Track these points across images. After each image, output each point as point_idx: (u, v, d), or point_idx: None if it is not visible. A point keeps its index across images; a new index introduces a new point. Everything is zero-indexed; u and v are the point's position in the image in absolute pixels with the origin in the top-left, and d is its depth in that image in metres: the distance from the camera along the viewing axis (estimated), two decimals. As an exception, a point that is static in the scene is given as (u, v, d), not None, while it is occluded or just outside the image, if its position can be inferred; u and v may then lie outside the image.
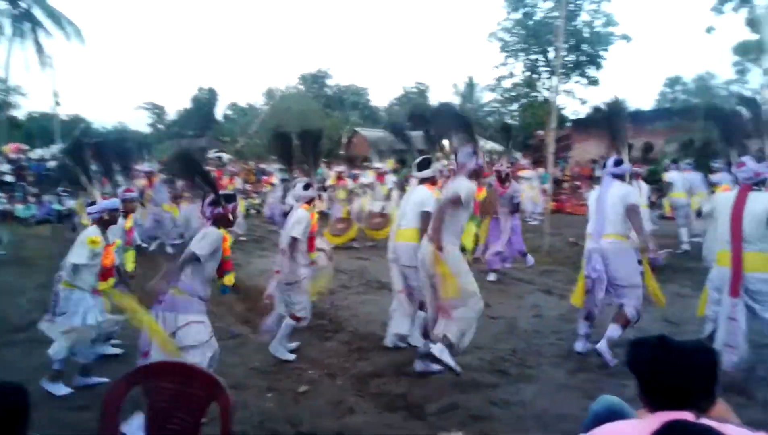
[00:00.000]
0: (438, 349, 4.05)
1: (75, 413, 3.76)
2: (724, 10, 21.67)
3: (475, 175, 4.40)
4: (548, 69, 28.55)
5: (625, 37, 28.48)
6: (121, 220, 4.78)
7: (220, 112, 47.20)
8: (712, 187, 9.64)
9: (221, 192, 3.85)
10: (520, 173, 13.35)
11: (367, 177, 11.84)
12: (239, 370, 4.45)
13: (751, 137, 4.48)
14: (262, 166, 19.99)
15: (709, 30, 22.38)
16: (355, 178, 12.37)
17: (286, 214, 5.14)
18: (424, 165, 4.94)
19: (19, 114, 36.16)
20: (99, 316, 4.23)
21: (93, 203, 4.40)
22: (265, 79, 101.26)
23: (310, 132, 5.71)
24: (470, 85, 39.13)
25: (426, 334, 4.45)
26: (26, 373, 4.35)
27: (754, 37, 22.03)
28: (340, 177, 11.78)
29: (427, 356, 4.36)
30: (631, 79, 68.22)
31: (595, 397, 2.49)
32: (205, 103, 46.40)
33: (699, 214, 4.84)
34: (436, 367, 4.35)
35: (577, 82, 29.19)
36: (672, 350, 1.78)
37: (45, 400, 3.85)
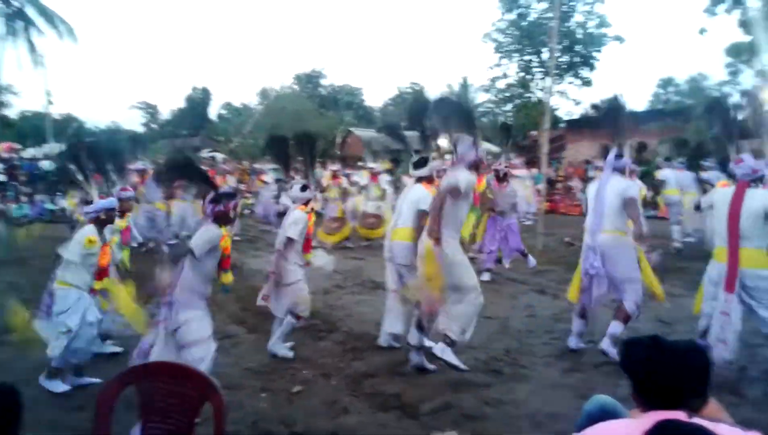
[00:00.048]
0: (440, 349, 4.06)
1: (69, 413, 3.75)
2: (717, 12, 21.78)
3: (475, 166, 4.35)
4: (542, 70, 28.61)
5: (619, 39, 28.60)
6: (117, 219, 4.78)
7: (214, 111, 47.17)
8: (703, 184, 9.72)
9: (221, 190, 3.87)
10: (514, 172, 13.38)
11: (362, 177, 11.84)
12: (233, 370, 4.44)
13: (748, 137, 4.47)
14: (257, 166, 19.96)
15: (701, 31, 22.49)
16: (348, 177, 12.38)
17: (281, 215, 5.15)
18: (420, 163, 4.95)
19: (12, 113, 35.90)
20: (98, 314, 4.22)
21: (90, 202, 4.38)
22: (259, 78, 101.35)
23: (306, 134, 5.72)
24: (464, 86, 39.20)
25: (420, 327, 4.46)
26: (19, 373, 4.32)
27: (747, 38, 22.15)
28: (335, 175, 11.78)
29: (421, 349, 4.43)
30: (625, 80, 68.53)
31: (588, 396, 2.50)
32: (199, 102, 46.30)
33: (698, 207, 4.85)
34: (431, 366, 4.41)
35: (570, 83, 29.27)
36: (665, 350, 1.79)
37: (38, 401, 3.83)
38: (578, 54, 28.38)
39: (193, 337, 3.51)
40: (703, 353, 2.07)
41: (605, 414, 2.18)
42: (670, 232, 10.06)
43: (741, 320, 4.10)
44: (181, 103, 47.07)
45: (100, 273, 4.26)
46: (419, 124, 5.29)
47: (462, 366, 4.07)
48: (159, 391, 2.37)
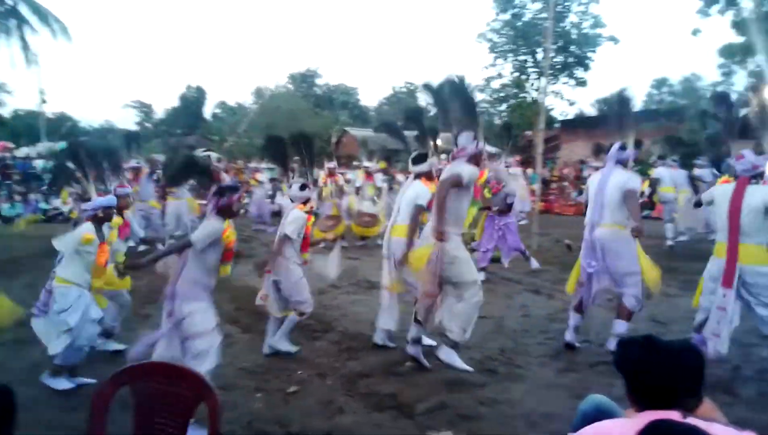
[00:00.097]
0: (444, 354, 4.06)
1: (63, 414, 3.73)
2: (710, 13, 21.87)
3: (475, 160, 4.31)
4: (537, 70, 28.68)
5: (613, 39, 28.69)
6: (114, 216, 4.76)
7: (208, 110, 47.01)
8: (695, 182, 9.79)
9: (226, 183, 3.88)
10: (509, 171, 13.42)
11: (357, 177, 11.84)
12: (228, 371, 4.43)
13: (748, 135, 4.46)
14: (252, 165, 19.93)
15: (695, 32, 22.58)
16: (342, 175, 12.40)
17: (276, 214, 5.15)
18: (419, 159, 4.96)
19: (5, 112, 35.70)
20: (100, 311, 4.21)
21: (87, 200, 4.36)
22: (254, 77, 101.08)
23: (303, 134, 5.72)
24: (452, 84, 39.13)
25: (418, 321, 4.50)
26: (13, 373, 4.31)
27: (740, 39, 22.26)
28: (331, 173, 11.78)
29: (418, 342, 4.49)
30: (619, 81, 68.75)
31: (583, 396, 2.51)
32: (193, 101, 46.15)
33: (698, 204, 4.83)
34: (427, 363, 4.45)
35: (565, 83, 29.36)
36: (659, 350, 1.79)
37: (33, 401, 3.81)
38: (573, 54, 28.46)
39: (197, 329, 3.52)
40: (697, 353, 2.08)
41: (600, 414, 2.19)
42: (664, 231, 10.11)
43: (738, 316, 4.11)
44: (176, 102, 46.95)
45: (98, 271, 4.24)
46: (417, 122, 5.29)
47: (469, 369, 4.08)
48: (153, 391, 2.35)
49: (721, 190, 4.32)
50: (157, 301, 6.19)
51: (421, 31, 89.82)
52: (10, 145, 24.48)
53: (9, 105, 36.70)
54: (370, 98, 79.04)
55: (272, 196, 15.11)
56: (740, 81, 25.68)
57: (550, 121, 25.84)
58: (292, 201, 5.03)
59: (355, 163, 16.61)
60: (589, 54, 28.62)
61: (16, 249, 9.76)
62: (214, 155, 18.12)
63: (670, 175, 9.94)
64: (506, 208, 7.80)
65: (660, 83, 42.12)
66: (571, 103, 30.51)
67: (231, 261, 3.88)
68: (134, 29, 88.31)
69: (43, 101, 27.30)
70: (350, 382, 4.23)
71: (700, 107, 24.47)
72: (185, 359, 3.49)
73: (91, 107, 70.93)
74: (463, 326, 4.13)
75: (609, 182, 4.67)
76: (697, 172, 10.66)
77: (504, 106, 31.19)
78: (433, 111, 5.07)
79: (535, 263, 8.10)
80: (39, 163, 20.72)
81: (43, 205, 16.52)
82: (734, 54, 23.56)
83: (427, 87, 4.66)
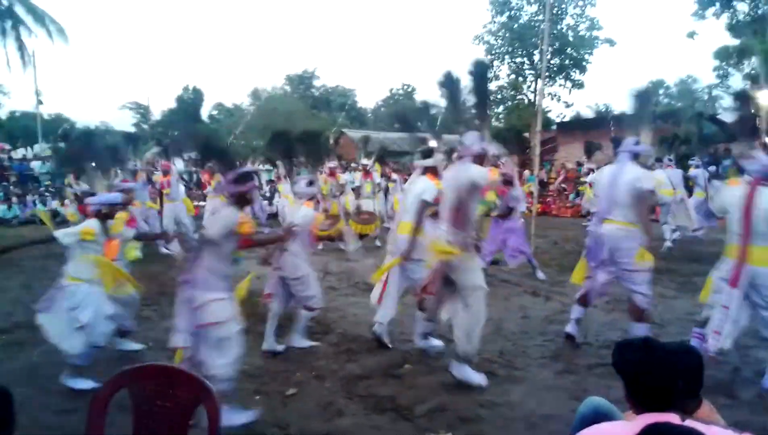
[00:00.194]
0: (457, 369, 4.05)
1: (59, 416, 3.71)
2: (706, 16, 21.98)
3: (479, 159, 4.20)
4: (533, 72, 28.75)
5: (609, 41, 28.79)
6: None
7: (205, 112, 46.95)
8: (689, 182, 9.83)
9: (244, 169, 3.85)
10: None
11: (354, 178, 11.88)
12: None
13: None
14: (249, 166, 19.91)
15: (691, 35, 22.70)
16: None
17: (273, 216, 5.17)
18: (427, 154, 4.96)
19: (1, 113, 35.65)
20: (114, 308, 4.20)
21: (92, 194, 4.35)
22: (251, 79, 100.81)
23: (311, 131, 5.74)
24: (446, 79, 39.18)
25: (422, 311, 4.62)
26: (9, 375, 4.29)
27: (735, 42, 22.37)
28: (331, 172, 11.81)
29: (427, 335, 4.67)
30: (615, 83, 69.01)
31: (582, 398, 2.51)
32: (190, 103, 46.08)
33: (712, 215, 4.74)
34: (436, 342, 4.66)
35: (561, 85, 29.41)
36: (656, 352, 1.80)
37: (31, 403, 3.79)
38: (569, 56, 28.52)
39: (213, 319, 3.49)
40: (695, 355, 2.09)
41: (599, 416, 2.19)
42: (661, 233, 10.14)
43: (746, 318, 4.07)
44: (172, 104, 46.90)
45: (105, 264, 4.26)
46: (415, 121, 5.28)
47: (483, 383, 4.05)
48: (152, 394, 2.35)
49: (732, 194, 4.27)
50: (152, 304, 6.24)
51: (418, 33, 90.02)
52: (7, 146, 24.44)
53: (5, 106, 36.70)
54: (367, 100, 79.21)
55: (270, 198, 15.13)
56: (736, 83, 25.79)
57: (547, 123, 25.89)
58: (298, 197, 5.04)
59: (353, 164, 16.63)
60: (585, 56, 28.69)
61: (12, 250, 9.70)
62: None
63: (668, 177, 9.97)
64: (507, 212, 7.77)
65: (656, 85, 42.28)
66: (568, 105, 30.61)
67: (245, 248, 3.82)
68: (131, 30, 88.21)
69: (40, 102, 27.30)
70: (349, 385, 4.22)
71: (696, 109, 24.62)
72: (204, 349, 3.48)
73: (88, 109, 70.58)
74: (467, 333, 4.09)
75: (621, 178, 4.57)
76: (692, 172, 10.71)
77: (501, 109, 31.25)
78: (434, 110, 5.05)
79: (541, 274, 8.01)
80: (36, 165, 20.70)
81: (40, 207, 16.47)
82: (730, 56, 23.66)
83: (447, 76, 4.54)
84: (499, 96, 31.20)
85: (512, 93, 30.19)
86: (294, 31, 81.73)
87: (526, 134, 23.02)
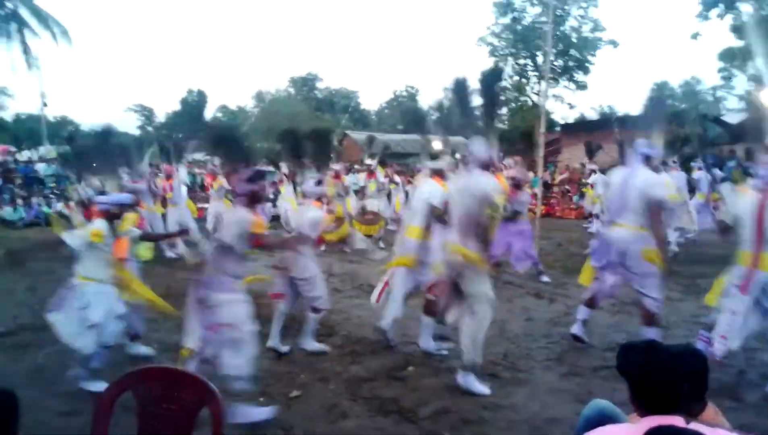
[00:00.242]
0: (462, 379, 4.04)
1: (63, 418, 3.72)
2: (710, 17, 21.93)
3: (486, 167, 4.18)
4: (537, 74, 28.79)
5: (613, 43, 28.83)
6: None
7: (209, 114, 47.08)
8: (691, 185, 9.80)
9: (258, 168, 3.85)
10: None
11: (358, 179, 11.90)
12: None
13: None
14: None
15: (694, 36, 22.66)
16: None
17: (275, 218, 5.18)
18: (436, 157, 4.97)
19: (6, 115, 35.83)
20: (124, 307, 4.21)
21: (102, 193, 4.36)
22: (255, 81, 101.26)
23: (321, 130, 5.73)
24: (457, 84, 39.19)
25: (430, 313, 4.64)
26: (15, 377, 4.31)
27: (740, 43, 22.32)
28: (337, 175, 11.83)
29: (440, 338, 4.73)
30: (619, 84, 68.97)
31: (586, 400, 2.51)
32: (194, 105, 46.22)
33: (727, 227, 4.56)
34: (447, 345, 4.66)
35: (565, 86, 29.44)
36: (660, 354, 1.80)
37: (35, 405, 3.80)
38: (573, 58, 28.57)
39: (226, 320, 3.51)
40: (700, 357, 2.09)
41: (604, 418, 2.19)
42: (666, 236, 10.11)
43: (756, 322, 4.03)
44: (177, 106, 47.07)
45: (119, 263, 4.28)
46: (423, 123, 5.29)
47: (487, 392, 4.04)
48: (156, 395, 2.36)
49: (744, 202, 4.24)
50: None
51: (421, 35, 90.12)
52: (12, 148, 24.55)
53: (10, 109, 36.87)
54: (370, 102, 79.31)
55: (273, 200, 15.14)
56: (740, 85, 25.72)
57: (551, 124, 25.87)
58: (306, 197, 5.04)
59: (356, 167, 16.64)
60: (589, 57, 28.70)
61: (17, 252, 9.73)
62: (216, 158, 18.14)
63: (671, 179, 9.94)
64: (513, 216, 7.72)
65: (660, 87, 42.13)
66: (572, 107, 30.65)
67: (259, 248, 3.83)
68: (135, 33, 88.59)
69: (45, 105, 27.40)
70: (353, 387, 4.22)
71: (701, 111, 24.55)
72: (219, 349, 3.51)
73: (93, 111, 70.87)
74: (473, 341, 4.06)
75: (633, 182, 4.53)
76: (695, 175, 10.65)
77: (504, 110, 31.28)
78: (439, 112, 5.06)
79: (545, 278, 7.99)
80: (41, 167, 20.77)
81: (45, 209, 16.53)
82: (734, 58, 23.61)
83: (458, 82, 4.52)
84: (502, 98, 31.21)
85: (516, 95, 30.21)
86: (298, 33, 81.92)
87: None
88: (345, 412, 3.81)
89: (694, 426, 1.64)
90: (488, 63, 31.47)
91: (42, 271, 7.65)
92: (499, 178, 4.19)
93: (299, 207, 5.21)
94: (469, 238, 4.03)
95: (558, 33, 26.15)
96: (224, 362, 3.50)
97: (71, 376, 4.12)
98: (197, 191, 17.22)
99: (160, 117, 47.80)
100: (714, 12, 21.74)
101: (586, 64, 28.82)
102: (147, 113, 47.63)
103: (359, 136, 29.01)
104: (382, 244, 10.40)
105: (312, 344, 4.97)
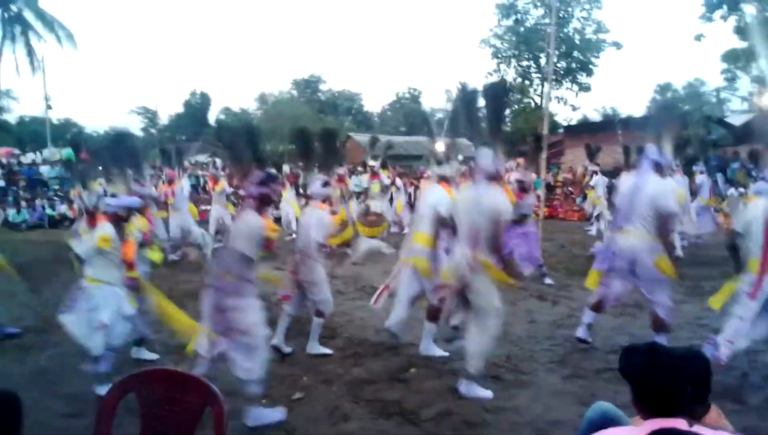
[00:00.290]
0: (465, 387, 4.03)
1: (65, 420, 3.74)
2: (713, 18, 21.89)
3: (493, 179, 4.13)
4: (540, 75, 28.77)
5: (616, 44, 28.81)
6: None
7: (212, 116, 47.20)
8: (692, 190, 9.77)
9: (269, 172, 3.86)
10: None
11: (361, 180, 11.91)
12: (233, 377, 4.42)
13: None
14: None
15: (698, 37, 22.59)
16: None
17: (276, 220, 5.18)
18: (443, 162, 4.96)
19: (10, 118, 35.94)
20: (133, 309, 4.22)
21: (112, 196, 4.36)
22: (258, 83, 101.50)
23: (329, 132, 5.71)
24: (463, 91, 39.21)
25: (434, 318, 4.70)
26: (18, 379, 4.32)
27: (743, 44, 22.27)
28: (340, 179, 11.84)
29: (454, 339, 4.73)
30: (622, 86, 68.86)
31: (589, 403, 2.50)
32: (197, 107, 46.35)
33: (735, 243, 4.52)
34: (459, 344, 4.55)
35: (568, 88, 29.42)
36: (663, 357, 1.79)
37: (37, 407, 3.81)
38: (576, 60, 28.55)
39: (240, 326, 3.52)
40: (702, 360, 2.07)
41: (607, 421, 2.18)
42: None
43: (764, 328, 4.06)
44: (180, 108, 47.20)
45: (129, 265, 4.30)
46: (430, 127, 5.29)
47: (489, 394, 4.04)
48: (159, 398, 2.36)
49: (754, 211, 4.22)
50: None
51: (424, 37, 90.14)
52: (16, 151, 24.64)
53: (14, 111, 36.99)
54: (373, 104, 79.29)
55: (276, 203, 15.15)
56: (744, 86, 25.67)
57: (554, 126, 25.85)
58: (311, 198, 5.04)
59: (359, 168, 16.66)
60: (592, 59, 28.67)
61: (22, 254, 9.78)
62: (219, 161, 18.18)
63: (676, 184, 9.92)
64: (520, 219, 7.70)
65: (664, 88, 42.10)
66: (575, 109, 30.60)
67: (270, 251, 3.83)
68: (139, 35, 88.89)
69: (49, 107, 27.51)
70: (355, 389, 4.22)
71: (704, 112, 24.51)
72: (233, 353, 3.55)
73: (96, 113, 71.18)
74: (481, 352, 4.05)
75: (643, 189, 4.52)
76: (698, 180, 10.60)
77: (507, 112, 31.24)
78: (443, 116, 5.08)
79: (548, 280, 7.97)
80: (45, 169, 20.85)
81: (49, 212, 16.59)
82: (737, 59, 23.56)
83: (465, 90, 4.50)
84: (507, 112, 31.21)
85: (519, 96, 30.20)
86: (301, 35, 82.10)
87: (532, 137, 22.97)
88: (347, 415, 3.81)
89: (696, 429, 1.63)
90: (491, 65, 31.55)
91: (45, 274, 7.70)
92: (509, 193, 4.14)
93: (305, 209, 5.19)
94: (479, 250, 4.00)
95: (561, 35, 26.14)
96: (237, 366, 3.55)
97: (88, 372, 4.12)
98: (200, 193, 17.25)
99: (164, 119, 47.95)
100: (717, 13, 21.71)
101: (589, 66, 28.80)
102: (150, 115, 47.70)
103: (362, 138, 29.04)
104: (385, 248, 10.39)
105: (316, 347, 4.98)
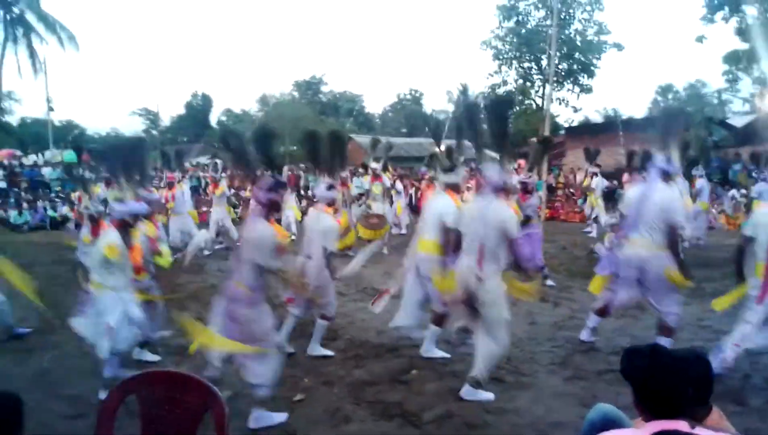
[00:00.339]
0: (468, 392, 4.02)
1: (67, 421, 3.74)
2: (715, 20, 21.86)
3: (500, 191, 4.10)
4: (541, 77, 28.73)
5: (618, 46, 28.73)
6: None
7: (214, 118, 47.25)
8: (692, 195, 9.75)
9: (277, 178, 3.86)
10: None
11: (363, 182, 11.89)
12: (233, 379, 4.42)
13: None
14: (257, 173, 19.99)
15: (699, 39, 22.54)
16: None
17: (277, 222, 5.17)
18: (450, 170, 4.94)
19: (12, 120, 35.99)
20: (140, 313, 4.21)
21: (119, 201, 4.34)
22: (259, 85, 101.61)
23: (337, 134, 5.70)
24: (464, 93, 39.22)
25: (438, 323, 4.72)
26: (20, 381, 4.33)
27: (744, 46, 22.25)
28: (343, 182, 11.82)
29: (464, 341, 4.69)
30: (624, 87, 68.84)
31: (590, 405, 2.50)
32: (199, 109, 46.39)
33: (748, 243, 4.47)
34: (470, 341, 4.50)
35: (569, 90, 29.36)
36: (664, 359, 1.79)
37: (38, 408, 3.82)
38: (577, 61, 28.48)
39: (254, 334, 3.53)
40: (704, 362, 2.08)
41: (608, 423, 2.18)
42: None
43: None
44: (182, 110, 47.25)
45: (137, 268, 4.34)
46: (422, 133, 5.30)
47: (490, 395, 4.03)
48: (160, 399, 2.36)
49: (761, 217, 4.24)
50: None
51: (425, 38, 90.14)
52: (18, 152, 24.69)
53: (16, 113, 37.06)
54: (375, 105, 79.48)
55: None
56: (745, 88, 25.64)
57: (556, 128, 25.83)
58: (315, 201, 5.03)
59: (360, 170, 16.65)
60: (593, 61, 28.63)
61: (24, 256, 9.79)
62: (220, 162, 18.20)
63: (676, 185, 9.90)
64: (524, 220, 7.67)
65: (665, 90, 42.12)
66: (576, 110, 30.54)
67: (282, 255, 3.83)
68: (140, 37, 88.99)
69: (51, 109, 27.51)
70: (357, 390, 4.22)
71: (706, 114, 24.49)
72: (244, 359, 3.58)
73: (98, 115, 71.35)
74: (486, 361, 4.03)
75: (651, 198, 4.50)
76: (697, 184, 10.56)
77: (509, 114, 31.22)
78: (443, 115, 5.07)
79: (550, 282, 7.94)
80: (47, 171, 20.89)
81: (50, 213, 16.61)
82: (739, 61, 23.53)
83: (468, 102, 4.50)
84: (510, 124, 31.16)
85: (520, 98, 30.16)
86: (302, 37, 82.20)
87: (534, 139, 22.97)
88: (348, 416, 3.81)
89: (698, 431, 1.63)
90: (492, 66, 31.54)
91: (48, 276, 7.70)
92: (515, 210, 4.11)
93: (310, 212, 5.16)
94: (485, 262, 3.99)
95: (562, 36, 26.11)
96: (248, 370, 3.58)
97: (95, 375, 4.13)
98: (201, 194, 17.28)
99: (165, 121, 48.00)
100: (719, 15, 21.66)
101: (591, 68, 28.73)
102: (152, 117, 47.77)
103: (363, 139, 29.03)
104: (385, 250, 10.38)
105: (317, 349, 4.98)
